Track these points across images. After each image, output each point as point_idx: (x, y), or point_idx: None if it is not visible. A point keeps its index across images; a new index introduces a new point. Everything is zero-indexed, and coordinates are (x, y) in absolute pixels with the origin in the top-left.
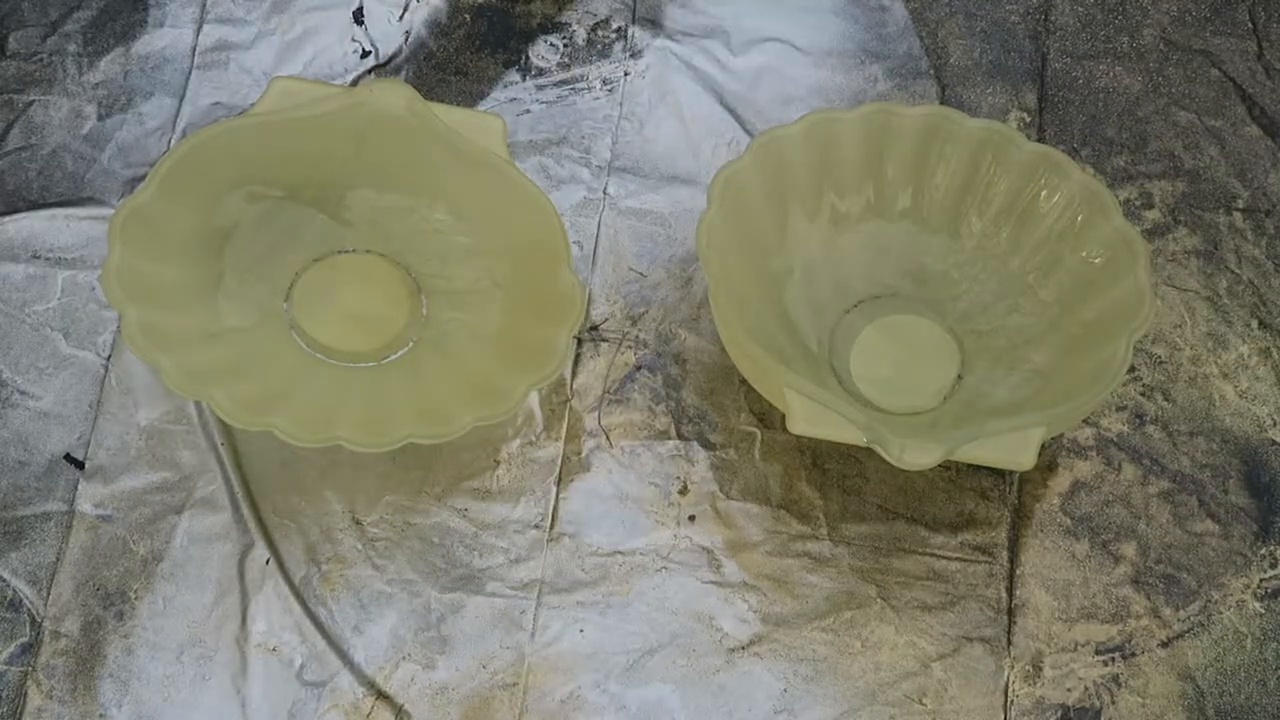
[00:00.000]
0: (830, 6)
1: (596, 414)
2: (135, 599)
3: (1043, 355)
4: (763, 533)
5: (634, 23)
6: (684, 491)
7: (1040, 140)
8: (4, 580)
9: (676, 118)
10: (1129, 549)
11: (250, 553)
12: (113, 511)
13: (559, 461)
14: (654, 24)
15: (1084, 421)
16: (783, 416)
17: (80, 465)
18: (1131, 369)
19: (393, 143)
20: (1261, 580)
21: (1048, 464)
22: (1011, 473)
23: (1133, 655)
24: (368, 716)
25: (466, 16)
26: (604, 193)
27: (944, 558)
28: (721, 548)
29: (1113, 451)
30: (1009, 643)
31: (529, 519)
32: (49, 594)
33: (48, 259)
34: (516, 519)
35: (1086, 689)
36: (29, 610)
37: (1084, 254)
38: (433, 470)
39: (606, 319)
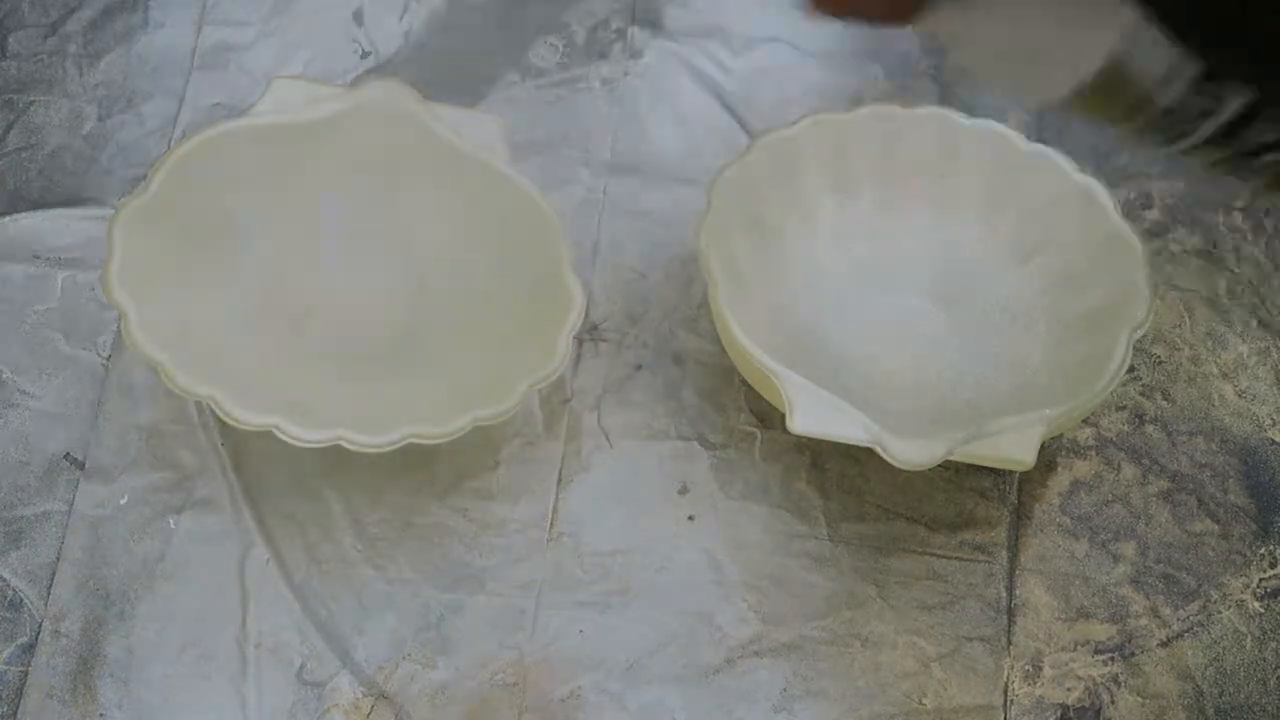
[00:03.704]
0: None
1: (596, 414)
2: (135, 599)
3: (1042, 355)
4: (763, 533)
5: (634, 23)
6: (684, 491)
7: (1040, 140)
8: (4, 580)
9: (676, 118)
10: (1128, 549)
11: (250, 553)
12: (113, 511)
13: (559, 461)
14: (654, 24)
15: (1084, 421)
16: (783, 416)
17: (80, 465)
18: (1131, 369)
19: (393, 143)
20: (1261, 580)
21: (1047, 464)
22: (1011, 473)
23: (1132, 655)
24: (368, 716)
25: (466, 16)
26: (604, 193)
27: (943, 557)
28: (721, 548)
29: (1112, 451)
30: (1009, 642)
31: (529, 519)
32: (49, 594)
33: (48, 259)
34: (516, 519)
35: (1086, 688)
36: (29, 610)
37: (1083, 254)
38: (433, 470)
39: (606, 319)
